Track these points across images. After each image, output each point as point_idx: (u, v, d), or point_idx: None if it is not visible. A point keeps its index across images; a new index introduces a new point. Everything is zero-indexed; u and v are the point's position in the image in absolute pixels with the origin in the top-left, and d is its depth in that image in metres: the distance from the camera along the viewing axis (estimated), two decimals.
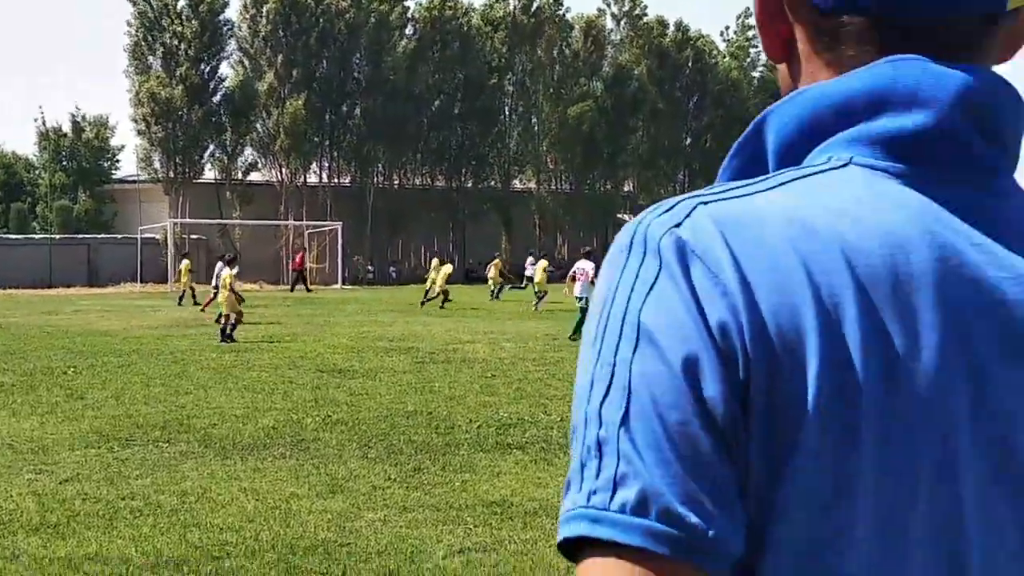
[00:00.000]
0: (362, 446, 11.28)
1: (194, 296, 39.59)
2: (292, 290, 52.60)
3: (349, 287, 61.59)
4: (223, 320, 24.30)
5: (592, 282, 24.61)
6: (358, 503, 8.85)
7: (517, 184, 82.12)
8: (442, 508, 8.68)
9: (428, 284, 39.77)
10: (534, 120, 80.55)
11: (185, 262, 42.23)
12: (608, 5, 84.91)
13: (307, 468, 10.20)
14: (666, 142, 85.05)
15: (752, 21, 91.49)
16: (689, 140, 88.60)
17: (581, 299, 25.18)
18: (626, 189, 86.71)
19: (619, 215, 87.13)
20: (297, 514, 8.53)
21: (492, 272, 43.63)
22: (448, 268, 39.49)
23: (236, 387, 16.03)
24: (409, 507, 8.72)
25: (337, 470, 10.11)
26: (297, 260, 55.53)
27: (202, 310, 33.20)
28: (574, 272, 26.35)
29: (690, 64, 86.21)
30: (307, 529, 8.10)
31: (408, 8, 75.96)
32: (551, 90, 79.89)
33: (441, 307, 36.68)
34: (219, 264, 29.86)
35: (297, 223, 69.59)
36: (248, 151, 73.14)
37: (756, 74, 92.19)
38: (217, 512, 8.62)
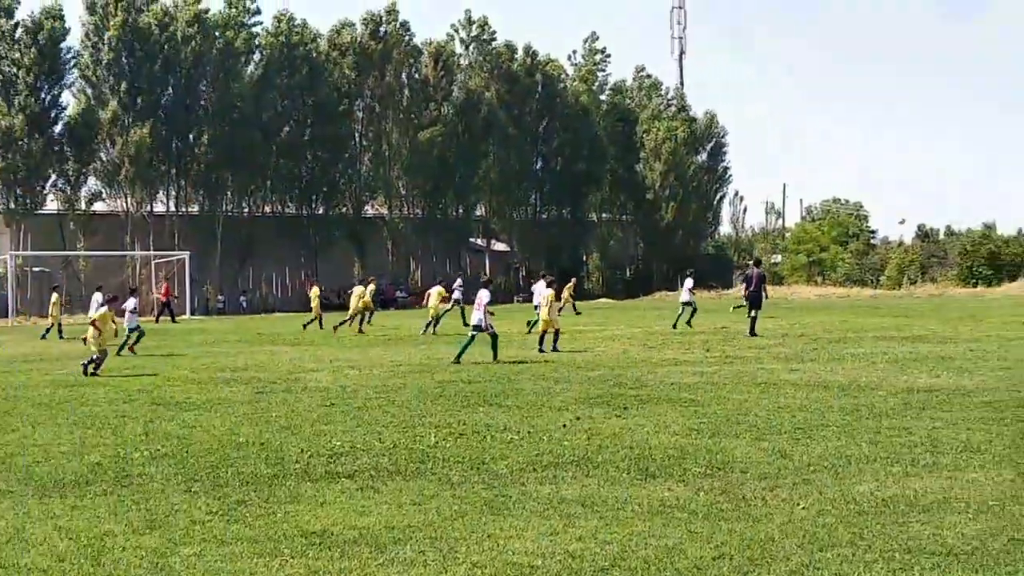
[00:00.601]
0: (187, 480, 11.09)
1: (60, 330, 38.72)
2: (157, 321, 51.60)
3: (198, 318, 60.67)
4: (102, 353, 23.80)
5: (488, 311, 25.83)
6: (175, 538, 8.70)
7: (369, 210, 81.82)
8: (261, 540, 8.58)
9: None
10: (385, 146, 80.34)
11: (55, 296, 41.13)
12: (456, 30, 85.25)
13: (127, 504, 10.00)
14: (517, 166, 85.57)
15: (600, 45, 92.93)
16: (540, 164, 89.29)
17: (476, 327, 25.79)
18: (478, 213, 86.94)
19: (472, 239, 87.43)
20: (110, 551, 8.34)
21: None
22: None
23: (66, 423, 15.65)
24: (227, 540, 8.60)
25: (158, 505, 9.92)
26: (163, 291, 54.76)
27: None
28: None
29: (540, 88, 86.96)
30: (119, 567, 7.93)
31: (255, 34, 75.24)
32: (401, 115, 79.85)
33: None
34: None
35: (144, 253, 68.39)
36: (92, 181, 71.71)
37: (604, 98, 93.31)
38: (27, 553, 8.39)
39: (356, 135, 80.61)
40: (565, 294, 48.83)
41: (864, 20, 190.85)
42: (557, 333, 28.29)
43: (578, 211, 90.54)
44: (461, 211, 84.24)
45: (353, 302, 39.76)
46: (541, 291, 26.30)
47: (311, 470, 11.50)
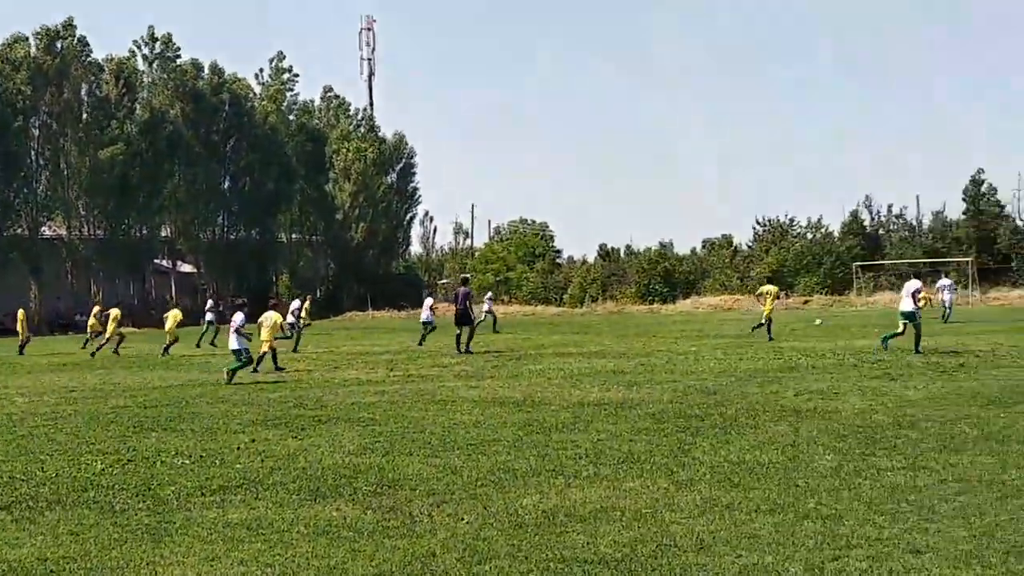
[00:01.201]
0: None
1: None
2: None
3: None
4: None
5: (244, 334, 26.13)
6: None
7: (46, 231, 78.57)
8: None
9: None
10: (63, 164, 77.35)
11: None
12: (139, 47, 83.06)
13: None
14: (204, 185, 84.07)
15: (287, 64, 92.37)
16: (228, 183, 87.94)
17: (235, 351, 25.98)
18: (164, 233, 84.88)
19: (157, 260, 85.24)
20: None
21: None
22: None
23: None
24: None
25: None
26: None
27: None
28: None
29: (227, 107, 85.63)
30: None
31: None
32: (81, 134, 77.07)
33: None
34: None
35: None
36: None
37: (293, 118, 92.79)
38: None
39: (32, 153, 77.34)
40: (303, 312, 50.51)
41: (553, 50, 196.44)
42: (265, 355, 28.24)
43: (267, 231, 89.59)
44: (145, 232, 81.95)
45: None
46: (268, 315, 27.39)
47: None
